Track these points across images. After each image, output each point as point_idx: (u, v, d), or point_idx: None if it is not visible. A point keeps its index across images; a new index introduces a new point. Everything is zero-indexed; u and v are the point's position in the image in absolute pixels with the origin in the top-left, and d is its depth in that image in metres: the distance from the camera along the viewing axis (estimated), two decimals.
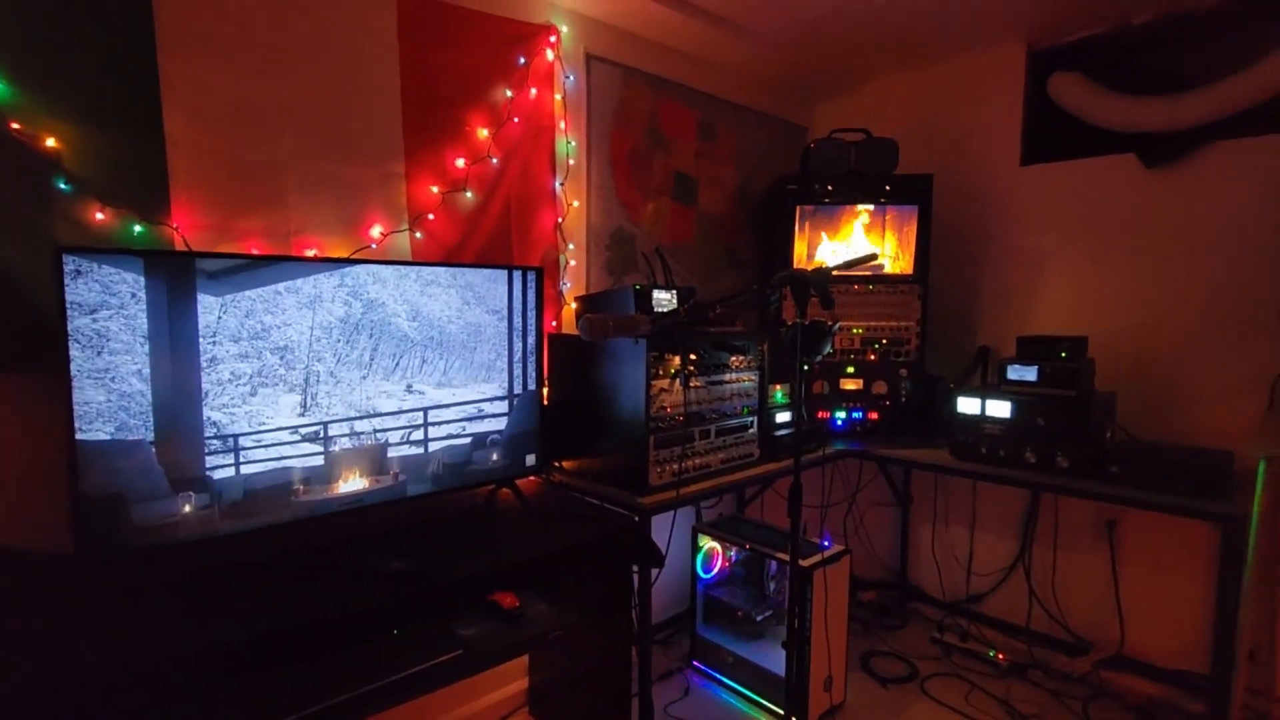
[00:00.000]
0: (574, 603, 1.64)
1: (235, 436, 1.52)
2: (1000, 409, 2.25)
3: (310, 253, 1.80)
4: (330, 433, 1.67)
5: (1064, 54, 2.65)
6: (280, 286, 1.57)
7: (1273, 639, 2.15)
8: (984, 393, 2.30)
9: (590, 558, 1.84)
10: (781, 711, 2.28)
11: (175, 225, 1.59)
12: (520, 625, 1.50)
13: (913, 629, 2.89)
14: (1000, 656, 2.58)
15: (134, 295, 1.37)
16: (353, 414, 1.70)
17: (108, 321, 1.35)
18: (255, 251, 1.71)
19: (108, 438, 1.35)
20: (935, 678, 2.51)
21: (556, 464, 2.23)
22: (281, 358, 1.57)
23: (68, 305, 1.29)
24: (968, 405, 2.33)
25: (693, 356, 2.03)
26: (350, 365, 1.69)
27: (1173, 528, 2.31)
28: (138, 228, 1.54)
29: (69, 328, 1.29)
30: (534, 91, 2.22)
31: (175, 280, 1.42)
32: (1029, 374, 2.25)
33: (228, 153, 1.67)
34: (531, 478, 2.14)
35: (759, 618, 2.46)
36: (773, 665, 2.32)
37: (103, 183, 1.49)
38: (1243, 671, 1.77)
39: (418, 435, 1.83)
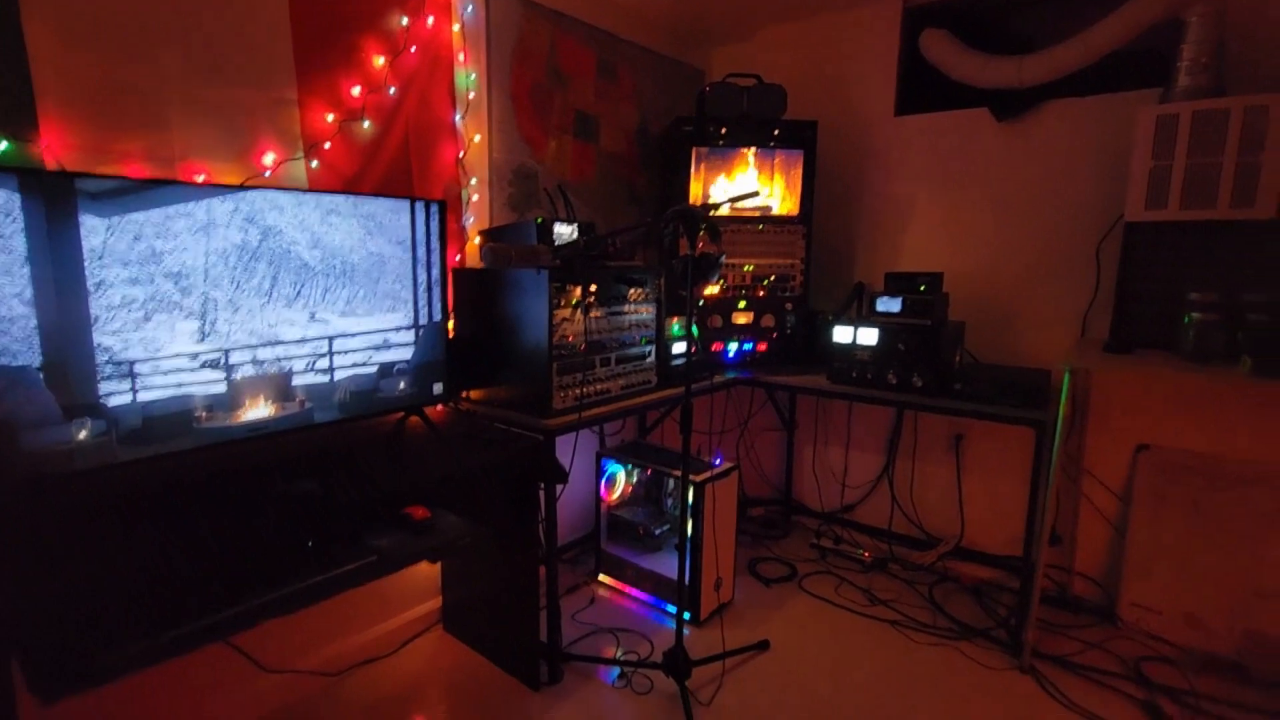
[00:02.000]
0: (483, 516, 1.76)
1: (130, 363, 1.51)
2: (869, 337, 2.53)
3: (199, 179, 1.75)
4: (232, 360, 1.67)
5: (935, 11, 2.88)
6: (170, 210, 1.54)
7: (1074, 526, 2.60)
8: (855, 322, 2.57)
9: (498, 475, 1.97)
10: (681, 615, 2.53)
11: (45, 144, 1.51)
12: (431, 535, 1.61)
13: (795, 538, 3.23)
14: (866, 555, 2.95)
15: (9, 215, 1.32)
16: (254, 342, 1.71)
17: None
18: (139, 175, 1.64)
19: None
20: (812, 576, 2.85)
21: (464, 394, 2.31)
22: (176, 284, 1.56)
23: None
24: (842, 334, 2.59)
25: (593, 288, 2.15)
26: (250, 293, 1.69)
27: (1005, 439, 2.71)
28: (2, 145, 1.46)
29: None
30: (431, 20, 2.20)
31: (54, 201, 1.37)
32: (894, 306, 2.54)
33: (100, 69, 1.58)
34: (440, 406, 2.22)
35: (658, 531, 2.69)
36: (671, 572, 2.55)
37: None
38: (1043, 549, 2.15)
39: (323, 364, 1.86)
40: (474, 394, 2.31)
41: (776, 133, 2.79)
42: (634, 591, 2.68)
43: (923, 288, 2.52)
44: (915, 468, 2.99)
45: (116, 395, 1.49)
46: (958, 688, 2.13)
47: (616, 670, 2.22)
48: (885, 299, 2.55)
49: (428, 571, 2.45)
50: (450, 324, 2.22)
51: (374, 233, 1.94)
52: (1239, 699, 2.05)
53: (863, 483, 3.17)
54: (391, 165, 2.17)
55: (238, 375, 1.68)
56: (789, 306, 2.91)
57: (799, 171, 2.83)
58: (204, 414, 1.63)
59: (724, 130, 2.77)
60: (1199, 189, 2.05)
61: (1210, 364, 1.94)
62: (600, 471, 2.75)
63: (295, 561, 1.42)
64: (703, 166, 2.82)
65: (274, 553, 1.42)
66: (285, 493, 1.54)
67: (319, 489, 1.57)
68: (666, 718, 1.99)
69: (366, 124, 2.07)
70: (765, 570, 2.89)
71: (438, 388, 2.12)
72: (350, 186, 2.05)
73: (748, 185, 2.82)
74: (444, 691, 2.15)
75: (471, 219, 2.42)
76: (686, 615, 2.44)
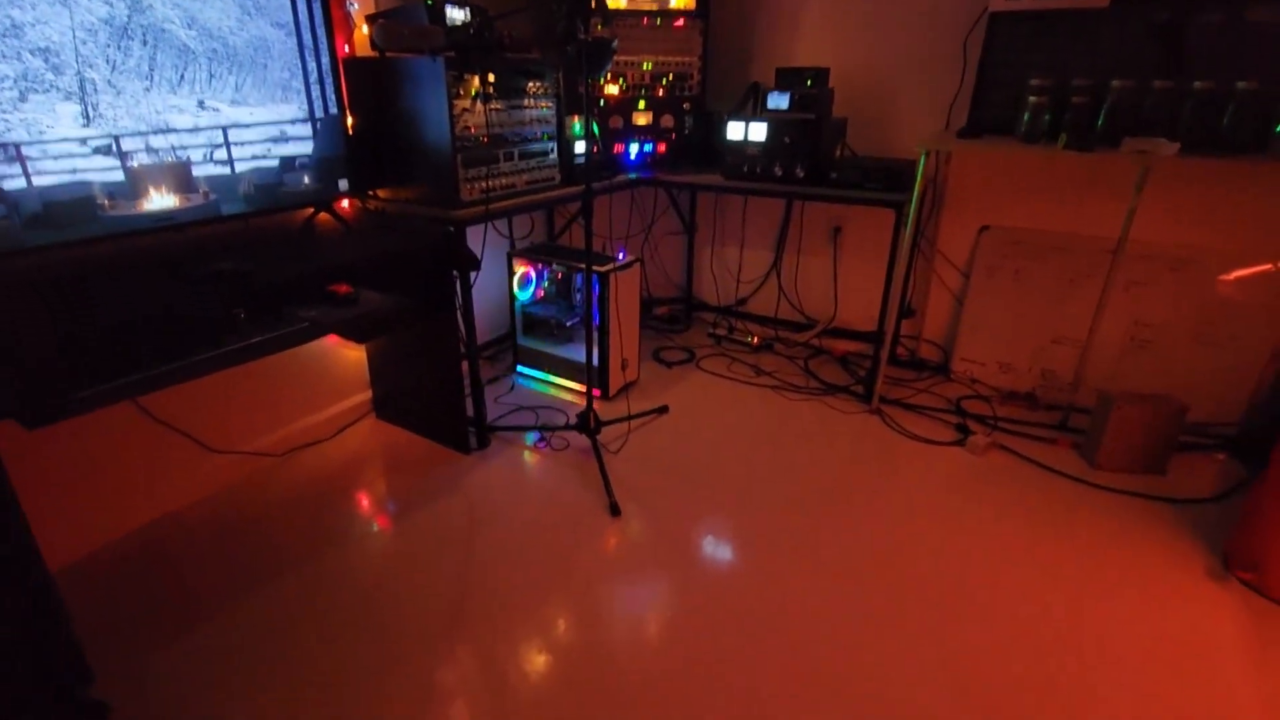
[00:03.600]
0: (403, 297, 1.92)
1: (15, 145, 1.49)
2: (759, 132, 2.68)
3: None
4: (124, 147, 1.66)
5: None
6: None
7: (927, 300, 3.04)
8: (747, 118, 2.71)
9: (413, 262, 2.10)
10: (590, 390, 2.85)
11: None
12: (356, 307, 1.77)
13: (694, 331, 3.59)
14: (755, 339, 3.36)
15: None
16: (144, 128, 1.69)
17: None
18: None
19: None
20: (707, 358, 3.24)
21: (372, 193, 2.35)
22: (46, 61, 1.50)
23: None
24: (734, 131, 2.74)
25: (491, 78, 2.17)
26: (129, 75, 1.64)
27: (875, 229, 3.03)
28: None
29: None
30: None
31: None
32: (783, 101, 2.68)
33: None
34: (348, 203, 2.27)
35: (569, 323, 2.94)
36: (583, 358, 2.83)
37: None
38: (893, 316, 2.55)
39: (221, 155, 1.86)
40: (382, 193, 2.35)
41: None
42: (550, 378, 2.98)
43: (809, 82, 2.66)
44: (800, 260, 3.32)
45: (9, 179, 1.48)
46: (819, 426, 2.61)
47: (537, 435, 2.56)
48: (775, 95, 2.68)
49: (356, 366, 2.63)
50: (350, 121, 2.20)
51: (252, 13, 1.85)
52: (1025, 419, 2.63)
53: (754, 277, 3.50)
54: None
55: (133, 163, 1.68)
56: (687, 106, 2.99)
57: None
58: (107, 202, 1.65)
59: None
60: None
61: (1038, 143, 2.24)
62: (512, 272, 2.91)
63: (230, 329, 1.55)
64: None
65: (209, 321, 1.55)
66: (210, 272, 1.64)
67: (239, 268, 1.67)
68: (581, 465, 2.36)
69: None
70: (667, 356, 3.25)
71: (343, 183, 2.17)
72: None
73: None
74: (384, 462, 2.43)
75: (355, 5, 2.30)
76: (596, 392, 2.78)
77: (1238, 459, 2.37)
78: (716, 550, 1.96)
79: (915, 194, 2.32)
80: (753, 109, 3.15)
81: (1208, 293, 2.46)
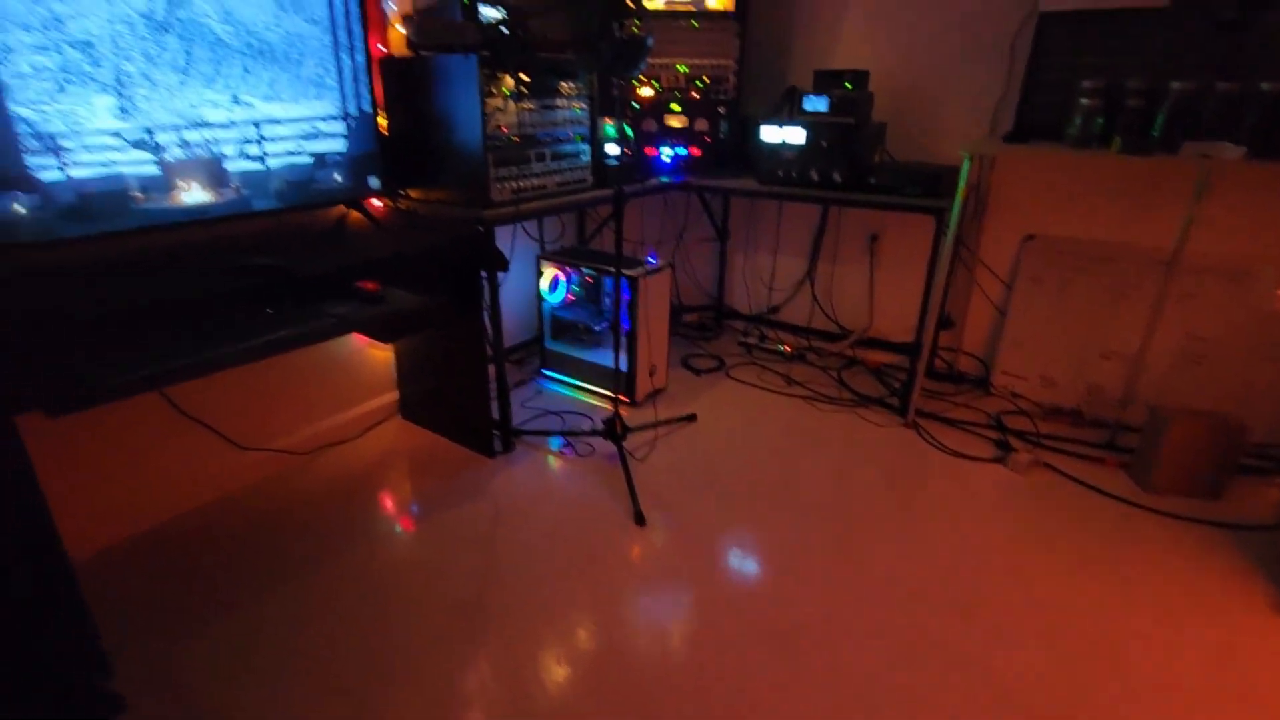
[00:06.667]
0: (431, 297, 1.89)
1: (53, 136, 1.50)
2: (795, 136, 2.62)
3: None
4: (158, 140, 1.67)
5: None
6: None
7: (966, 310, 2.93)
8: (782, 122, 2.65)
9: (442, 261, 2.08)
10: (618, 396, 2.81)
11: None
12: (384, 305, 1.75)
13: (725, 339, 3.52)
14: (787, 348, 3.28)
15: None
16: (179, 122, 1.69)
17: None
18: None
19: None
20: (738, 367, 3.17)
21: (403, 192, 2.35)
22: (85, 53, 1.51)
23: None
24: (769, 135, 2.68)
25: (524, 77, 2.14)
26: (165, 68, 1.64)
27: (913, 238, 2.94)
28: None
29: None
30: None
31: None
32: (821, 104, 2.62)
33: None
34: (378, 202, 2.26)
35: (598, 328, 2.89)
36: (610, 363, 2.79)
37: None
38: (933, 324, 2.46)
39: (254, 150, 1.86)
40: (413, 192, 2.35)
41: None
42: (577, 382, 2.94)
43: (848, 85, 2.59)
44: (835, 269, 3.24)
45: (46, 170, 1.49)
46: (852, 438, 2.52)
47: (562, 440, 2.51)
48: (812, 98, 2.62)
49: (384, 366, 2.62)
50: (384, 121, 2.20)
51: (289, 9, 1.86)
52: (1068, 435, 2.51)
53: (787, 286, 3.42)
54: None
55: (167, 156, 1.68)
56: (722, 110, 2.95)
57: None
58: (140, 194, 1.65)
59: None
60: None
61: (1089, 148, 2.14)
62: (541, 274, 2.88)
63: (258, 323, 1.53)
64: None
65: (237, 315, 1.54)
66: (240, 266, 1.63)
67: (273, 263, 1.66)
68: (607, 472, 2.31)
69: None
70: (697, 363, 3.19)
71: (374, 181, 2.16)
72: None
73: None
74: (409, 463, 2.40)
75: (393, 5, 2.30)
76: (623, 398, 2.73)
77: None
78: (743, 562, 1.89)
79: (958, 200, 2.24)
80: (789, 113, 3.09)
81: (1266, 306, 2.32)
